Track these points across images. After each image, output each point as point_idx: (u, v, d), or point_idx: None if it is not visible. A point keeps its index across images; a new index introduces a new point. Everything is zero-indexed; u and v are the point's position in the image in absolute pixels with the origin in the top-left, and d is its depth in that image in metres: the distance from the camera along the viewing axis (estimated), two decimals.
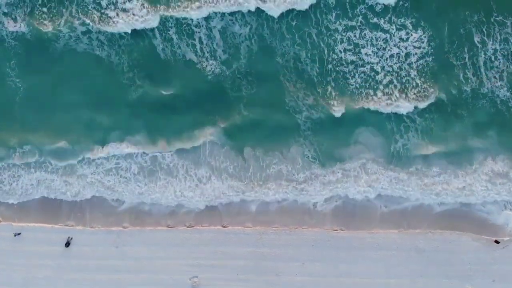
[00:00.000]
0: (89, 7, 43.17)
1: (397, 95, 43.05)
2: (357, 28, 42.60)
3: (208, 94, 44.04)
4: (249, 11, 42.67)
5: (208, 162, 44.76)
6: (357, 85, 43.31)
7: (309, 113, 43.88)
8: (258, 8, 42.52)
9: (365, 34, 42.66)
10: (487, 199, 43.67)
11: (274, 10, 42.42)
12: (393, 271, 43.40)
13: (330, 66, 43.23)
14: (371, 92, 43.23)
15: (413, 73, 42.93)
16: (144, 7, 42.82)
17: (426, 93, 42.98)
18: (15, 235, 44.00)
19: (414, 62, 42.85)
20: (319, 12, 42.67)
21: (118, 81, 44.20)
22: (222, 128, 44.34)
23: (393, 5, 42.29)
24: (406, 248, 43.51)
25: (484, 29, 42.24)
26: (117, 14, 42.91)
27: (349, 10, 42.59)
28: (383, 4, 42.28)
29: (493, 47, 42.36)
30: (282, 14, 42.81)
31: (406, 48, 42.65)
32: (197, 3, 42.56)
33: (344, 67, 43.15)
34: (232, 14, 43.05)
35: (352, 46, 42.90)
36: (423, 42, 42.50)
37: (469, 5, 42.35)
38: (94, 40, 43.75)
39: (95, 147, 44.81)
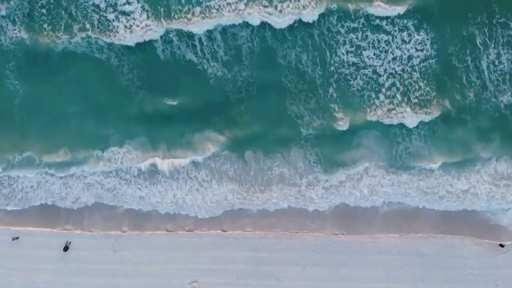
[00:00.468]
0: (89, 10, 42.57)
1: (399, 97, 42.64)
2: (359, 30, 42.10)
3: (209, 97, 43.52)
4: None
5: (208, 164, 44.28)
6: (359, 87, 42.82)
7: (310, 118, 43.45)
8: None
9: (367, 35, 42.17)
10: (491, 202, 43.23)
11: (279, 23, 42.04)
12: (394, 276, 43.13)
13: (332, 68, 42.77)
14: (373, 94, 42.82)
15: (416, 75, 42.52)
16: (147, 17, 42.38)
17: (428, 97, 42.56)
18: (13, 239, 43.75)
19: (417, 65, 42.40)
20: (321, 14, 42.22)
21: (118, 83, 43.58)
22: (223, 131, 43.86)
23: (401, 13, 42.12)
24: (407, 253, 43.27)
25: (486, 31, 41.83)
26: (124, 26, 42.57)
27: (351, 13, 42.08)
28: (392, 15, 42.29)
29: (496, 51, 41.99)
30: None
31: (408, 50, 42.20)
32: (201, 17, 42.12)
33: (346, 69, 42.67)
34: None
35: (354, 48, 42.46)
36: (425, 45, 42.09)
37: (472, 7, 41.84)
38: (93, 44, 43.15)
39: (95, 152, 44.31)
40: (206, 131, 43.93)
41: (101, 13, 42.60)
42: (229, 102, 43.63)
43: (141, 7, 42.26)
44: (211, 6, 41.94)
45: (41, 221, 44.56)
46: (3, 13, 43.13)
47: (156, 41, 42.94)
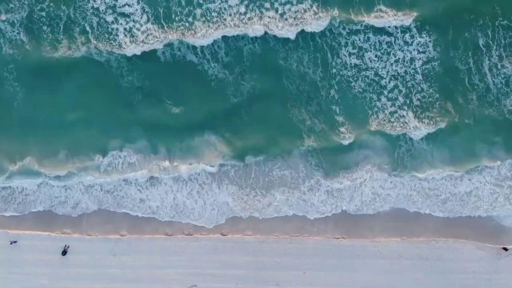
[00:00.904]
0: (88, 12, 42.19)
1: (402, 100, 42.24)
2: (361, 32, 41.72)
3: (210, 99, 43.04)
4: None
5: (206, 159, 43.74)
6: (361, 89, 42.46)
7: (311, 122, 43.02)
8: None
9: (369, 37, 41.81)
10: (494, 205, 42.99)
11: (285, 34, 41.67)
12: (395, 280, 42.96)
13: (334, 70, 42.38)
14: (375, 97, 42.44)
15: (419, 77, 42.17)
16: (148, 20, 41.94)
17: (431, 99, 42.18)
18: (11, 243, 43.35)
19: (419, 67, 42.08)
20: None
21: (118, 86, 43.01)
22: (223, 134, 43.38)
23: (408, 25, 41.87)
24: (409, 257, 43.09)
25: (489, 33, 41.52)
26: (124, 29, 42.01)
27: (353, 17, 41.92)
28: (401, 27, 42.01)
29: (498, 53, 41.70)
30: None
31: (410, 52, 41.88)
32: (205, 30, 41.69)
33: (348, 71, 42.31)
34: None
35: (356, 50, 42.07)
36: (428, 47, 41.78)
37: (474, 9, 41.53)
38: (92, 48, 42.38)
39: (96, 156, 43.64)
40: (206, 134, 43.34)
41: (101, 15, 41.99)
42: (231, 105, 43.07)
43: (141, 8, 41.70)
44: (211, 9, 41.51)
45: (39, 225, 44.12)
46: (3, 17, 42.62)
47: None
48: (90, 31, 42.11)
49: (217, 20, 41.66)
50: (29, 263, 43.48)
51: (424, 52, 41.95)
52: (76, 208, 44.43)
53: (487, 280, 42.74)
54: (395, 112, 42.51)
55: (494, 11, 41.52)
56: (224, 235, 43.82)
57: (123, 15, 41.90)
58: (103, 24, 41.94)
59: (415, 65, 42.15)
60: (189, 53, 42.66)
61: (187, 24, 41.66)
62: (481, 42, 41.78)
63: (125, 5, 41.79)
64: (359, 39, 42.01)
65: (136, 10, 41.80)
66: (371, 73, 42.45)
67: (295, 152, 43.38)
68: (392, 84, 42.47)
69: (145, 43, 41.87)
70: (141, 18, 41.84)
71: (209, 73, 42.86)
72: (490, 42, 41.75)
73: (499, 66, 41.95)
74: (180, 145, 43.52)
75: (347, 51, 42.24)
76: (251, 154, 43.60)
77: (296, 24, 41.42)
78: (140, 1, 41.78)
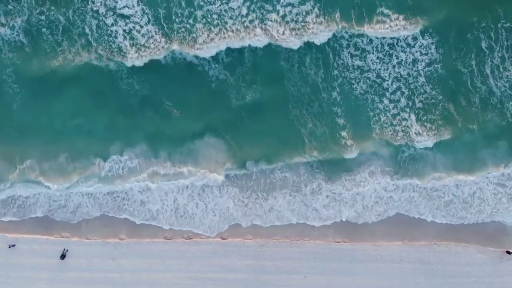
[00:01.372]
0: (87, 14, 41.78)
1: (404, 102, 42.01)
2: (363, 35, 41.45)
3: (211, 101, 42.75)
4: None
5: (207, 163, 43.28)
6: (363, 91, 42.13)
7: (313, 124, 42.64)
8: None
9: (371, 39, 41.55)
10: (498, 207, 42.75)
11: (291, 44, 41.38)
12: (397, 284, 42.66)
13: (336, 72, 42.11)
14: (377, 99, 42.15)
15: (421, 79, 41.88)
16: (159, 40, 41.59)
17: (434, 101, 41.89)
18: (9, 247, 42.95)
19: (422, 69, 41.78)
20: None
21: (117, 88, 42.74)
22: (224, 137, 43.00)
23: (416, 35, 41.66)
24: (410, 260, 42.78)
25: (492, 35, 41.27)
26: (123, 30, 41.65)
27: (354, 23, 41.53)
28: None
29: (500, 54, 41.45)
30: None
31: (413, 54, 41.63)
32: (207, 34, 41.31)
33: (350, 72, 42.02)
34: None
35: (359, 51, 41.80)
36: (430, 49, 41.51)
37: (477, 11, 41.37)
38: (92, 52, 42.10)
39: (96, 160, 43.26)
40: (207, 137, 42.96)
41: (101, 18, 41.71)
42: (231, 107, 42.74)
43: (141, 9, 41.48)
44: (212, 11, 41.09)
45: (38, 228, 43.71)
46: (3, 20, 42.30)
47: None
48: (89, 34, 41.82)
49: (218, 23, 41.23)
50: (27, 267, 43.12)
51: (426, 54, 41.66)
52: (76, 212, 43.99)
53: (489, 284, 42.41)
54: (398, 114, 42.20)
55: (497, 13, 41.30)
56: (224, 239, 43.37)
57: (123, 16, 41.53)
58: (103, 26, 41.58)
59: (417, 67, 41.83)
60: (189, 54, 42.14)
61: (188, 26, 41.29)
62: (483, 44, 41.49)
63: (124, 7, 41.50)
64: (362, 41, 41.72)
65: (136, 11, 41.47)
66: (373, 75, 42.11)
67: (296, 158, 42.96)
68: (394, 86, 42.15)
69: (146, 47, 41.54)
70: (141, 19, 41.51)
71: (209, 74, 42.53)
72: (493, 44, 41.49)
73: (501, 69, 41.66)
74: (180, 149, 43.08)
75: (349, 52, 41.91)
76: (252, 160, 43.12)
77: (299, 29, 40.98)
78: (140, 3, 41.46)
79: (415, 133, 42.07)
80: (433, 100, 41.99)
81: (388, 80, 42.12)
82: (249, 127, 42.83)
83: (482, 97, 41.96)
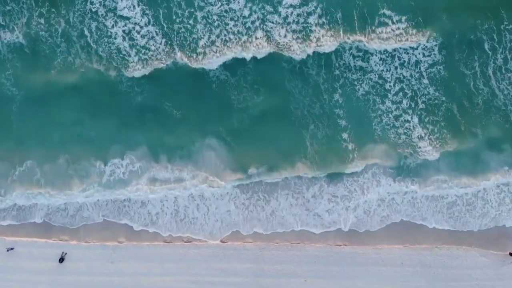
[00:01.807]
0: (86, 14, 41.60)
1: (406, 103, 41.77)
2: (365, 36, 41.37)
3: (212, 103, 42.49)
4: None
5: (207, 167, 43.07)
6: (365, 92, 41.89)
7: (315, 126, 42.29)
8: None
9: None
10: (502, 208, 42.43)
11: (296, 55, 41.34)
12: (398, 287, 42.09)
13: (337, 72, 41.90)
14: (378, 100, 41.88)
15: (425, 81, 41.64)
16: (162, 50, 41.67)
17: (437, 102, 41.60)
18: (8, 250, 42.46)
19: (425, 70, 41.54)
20: None
21: (117, 90, 42.54)
22: (224, 137, 42.64)
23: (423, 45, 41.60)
24: (411, 264, 42.34)
25: (495, 36, 41.17)
26: (122, 31, 41.54)
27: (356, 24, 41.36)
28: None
29: (503, 56, 41.39)
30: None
31: (416, 56, 41.40)
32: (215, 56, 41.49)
33: (352, 73, 41.81)
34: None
35: (361, 53, 41.59)
36: (433, 50, 41.32)
37: (480, 13, 41.37)
38: (93, 54, 41.90)
39: (97, 163, 42.87)
40: (208, 140, 42.63)
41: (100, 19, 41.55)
42: (233, 110, 42.53)
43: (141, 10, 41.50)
44: (212, 12, 40.91)
45: (36, 231, 43.29)
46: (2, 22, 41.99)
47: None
48: (89, 35, 41.71)
49: (218, 24, 41.06)
50: (26, 270, 42.68)
51: (429, 56, 41.46)
52: (76, 216, 43.61)
53: (491, 287, 41.95)
54: (400, 115, 41.97)
55: (500, 15, 41.24)
56: (224, 242, 42.88)
57: (122, 17, 41.56)
58: (102, 28, 41.51)
59: (420, 68, 41.58)
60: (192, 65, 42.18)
61: (188, 26, 41.24)
62: (486, 46, 41.36)
63: (124, 8, 41.53)
64: (364, 45, 41.71)
65: (136, 13, 41.53)
66: (375, 76, 41.84)
67: (298, 160, 42.63)
68: (397, 87, 41.94)
69: (146, 48, 41.47)
70: (141, 20, 41.56)
71: (210, 75, 42.28)
72: (496, 45, 41.32)
73: (503, 70, 41.53)
74: (181, 152, 42.73)
75: (351, 54, 41.64)
76: (254, 166, 42.73)
77: (303, 34, 41.05)
78: (140, 3, 41.33)
79: (417, 137, 41.78)
80: (436, 101, 41.75)
81: (390, 82, 41.86)
82: (249, 127, 42.65)
83: (485, 98, 41.71)
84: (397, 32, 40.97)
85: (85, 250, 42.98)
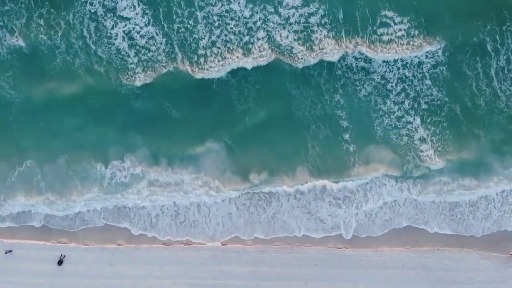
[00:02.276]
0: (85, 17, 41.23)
1: (409, 104, 41.46)
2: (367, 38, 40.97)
3: (212, 104, 42.19)
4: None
5: (208, 171, 42.68)
6: (366, 93, 41.61)
7: (316, 126, 41.94)
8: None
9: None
10: (504, 209, 42.14)
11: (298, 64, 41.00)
12: None
13: (339, 72, 41.60)
14: (380, 100, 41.56)
15: (427, 82, 41.32)
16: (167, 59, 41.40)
17: (439, 102, 41.31)
18: (6, 253, 42.10)
19: (427, 71, 41.26)
20: None
21: (116, 92, 42.15)
22: (225, 140, 42.34)
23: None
24: (413, 266, 42.00)
25: (497, 37, 40.85)
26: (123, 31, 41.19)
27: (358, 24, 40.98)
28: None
29: (505, 57, 41.10)
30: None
31: (419, 57, 41.17)
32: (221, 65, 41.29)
33: (354, 74, 41.51)
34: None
35: (363, 55, 41.26)
36: (437, 52, 41.16)
37: (482, 14, 41.10)
38: (92, 55, 41.49)
39: (97, 164, 42.54)
40: (208, 142, 42.34)
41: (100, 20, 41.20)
42: (233, 111, 42.23)
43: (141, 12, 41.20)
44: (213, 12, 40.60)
45: (35, 234, 42.99)
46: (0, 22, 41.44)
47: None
48: (88, 36, 41.39)
49: (219, 25, 40.73)
50: (24, 273, 42.37)
51: (432, 57, 41.15)
52: (76, 219, 43.29)
53: None
54: (402, 116, 41.71)
55: (502, 15, 40.87)
56: (224, 244, 42.47)
57: (122, 18, 41.23)
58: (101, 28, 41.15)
59: (422, 69, 41.27)
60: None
61: (188, 26, 40.97)
62: (489, 47, 41.03)
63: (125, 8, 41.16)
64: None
65: (137, 13, 41.24)
66: (378, 77, 41.55)
67: (299, 166, 42.28)
68: (399, 87, 41.64)
69: (146, 48, 41.29)
70: (141, 20, 41.24)
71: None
72: (499, 47, 40.99)
73: (505, 71, 41.22)
74: (181, 155, 42.40)
75: (354, 56, 41.39)
76: (255, 171, 42.41)
77: (304, 34, 40.72)
78: (140, 3, 41.00)
79: (419, 138, 41.47)
80: (438, 102, 41.49)
81: (392, 82, 41.58)
82: (250, 128, 42.45)
83: (487, 100, 41.43)
84: (399, 33, 40.44)
85: (84, 253, 42.61)
